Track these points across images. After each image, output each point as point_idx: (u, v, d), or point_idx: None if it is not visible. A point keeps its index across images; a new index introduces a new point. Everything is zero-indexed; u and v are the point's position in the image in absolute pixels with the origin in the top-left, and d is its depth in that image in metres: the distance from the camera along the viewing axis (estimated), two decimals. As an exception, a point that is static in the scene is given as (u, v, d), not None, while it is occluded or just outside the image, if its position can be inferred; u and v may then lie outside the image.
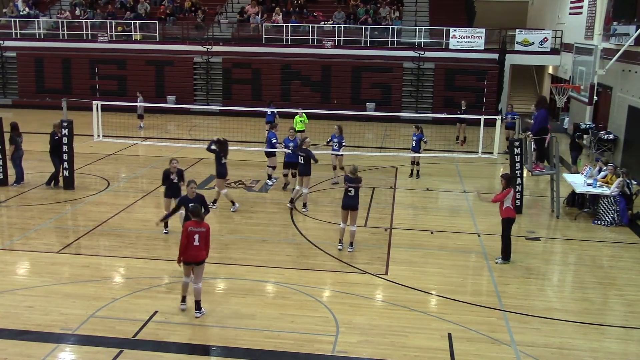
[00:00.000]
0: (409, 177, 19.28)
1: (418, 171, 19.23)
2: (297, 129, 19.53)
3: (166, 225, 13.43)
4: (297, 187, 15.73)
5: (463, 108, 23.81)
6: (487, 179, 19.52)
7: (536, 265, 12.54)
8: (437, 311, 10.41)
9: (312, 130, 20.95)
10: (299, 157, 15.42)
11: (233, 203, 15.31)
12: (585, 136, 21.49)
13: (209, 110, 30.09)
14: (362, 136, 25.39)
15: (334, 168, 18.10)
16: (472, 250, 13.26)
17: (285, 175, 17.35)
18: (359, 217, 13.30)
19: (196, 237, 9.67)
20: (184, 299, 10.12)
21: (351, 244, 12.82)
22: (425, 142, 18.67)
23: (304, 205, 15.61)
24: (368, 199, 16.54)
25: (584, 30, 25.51)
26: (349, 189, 12.49)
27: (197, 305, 9.94)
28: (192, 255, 9.76)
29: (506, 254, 12.45)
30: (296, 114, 21.13)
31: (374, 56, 30.58)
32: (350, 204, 12.59)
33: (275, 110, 22.50)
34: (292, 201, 15.73)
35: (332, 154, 17.79)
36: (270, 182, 17.84)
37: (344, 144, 17.81)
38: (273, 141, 17.02)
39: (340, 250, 12.77)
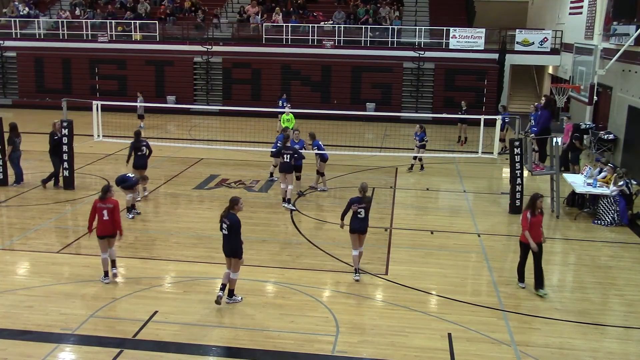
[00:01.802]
0: (408, 172, 19.51)
1: (421, 164, 19.72)
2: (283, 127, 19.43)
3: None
4: (282, 186, 15.70)
5: (464, 108, 23.83)
6: (487, 179, 19.51)
7: (536, 265, 12.52)
8: (437, 311, 10.40)
9: (313, 130, 20.90)
10: (286, 154, 15.37)
11: (144, 189, 16.20)
12: (585, 136, 21.44)
13: (209, 110, 30.08)
14: (362, 136, 25.37)
15: (318, 173, 17.43)
16: (472, 250, 13.25)
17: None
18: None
19: (104, 212, 10.65)
20: (106, 274, 10.96)
21: (357, 270, 11.54)
22: (426, 141, 19.27)
23: (287, 201, 15.55)
24: (368, 199, 16.51)
25: (584, 30, 25.50)
26: (359, 210, 11.22)
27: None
28: (104, 228, 10.75)
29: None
30: (297, 114, 21.06)
31: (374, 56, 30.58)
32: (360, 228, 11.31)
33: (288, 104, 22.68)
34: (288, 202, 15.71)
35: (318, 153, 17.42)
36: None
37: (309, 148, 17.34)
38: (279, 144, 16.69)
39: (357, 281, 11.43)
